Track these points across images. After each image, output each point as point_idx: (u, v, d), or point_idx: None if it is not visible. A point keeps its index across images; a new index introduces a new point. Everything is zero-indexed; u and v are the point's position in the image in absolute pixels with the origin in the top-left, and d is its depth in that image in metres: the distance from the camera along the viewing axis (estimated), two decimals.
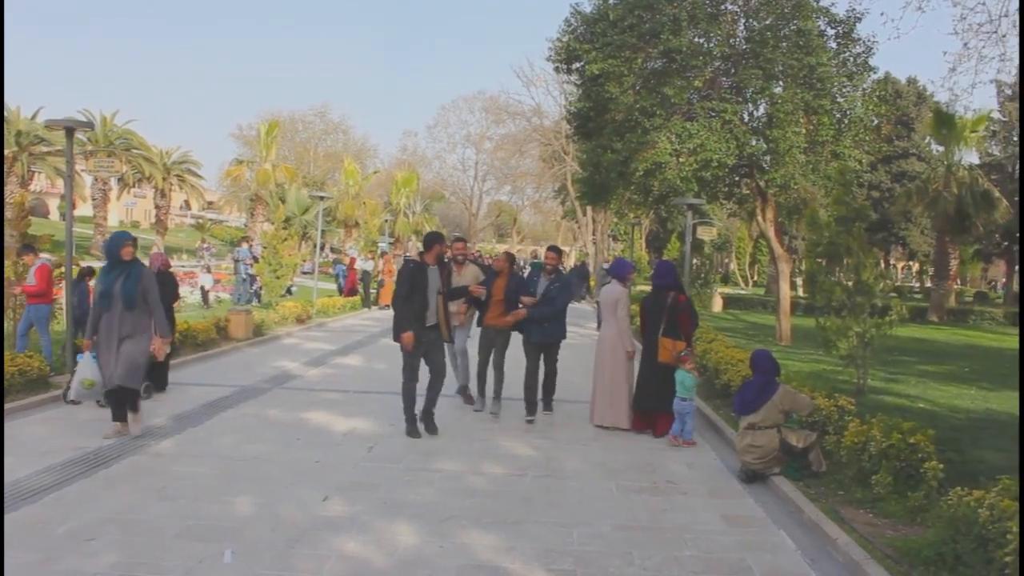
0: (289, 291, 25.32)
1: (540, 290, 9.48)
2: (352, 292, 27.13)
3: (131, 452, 7.34)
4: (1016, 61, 11.32)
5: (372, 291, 26.75)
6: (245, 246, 26.01)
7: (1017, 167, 26.81)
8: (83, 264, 12.53)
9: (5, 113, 46.03)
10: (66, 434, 7.89)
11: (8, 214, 15.90)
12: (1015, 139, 35.99)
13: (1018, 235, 31.77)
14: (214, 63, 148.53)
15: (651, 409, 8.98)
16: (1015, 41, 10.91)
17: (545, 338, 9.49)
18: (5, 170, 45.76)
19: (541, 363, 9.62)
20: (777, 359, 7.74)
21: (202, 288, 23.27)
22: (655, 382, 8.91)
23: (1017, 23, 10.68)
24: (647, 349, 9.13)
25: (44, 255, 11.62)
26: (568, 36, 19.27)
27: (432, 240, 8.60)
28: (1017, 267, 37.20)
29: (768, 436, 7.11)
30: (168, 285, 10.63)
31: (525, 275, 10.26)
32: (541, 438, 8.57)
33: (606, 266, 22.75)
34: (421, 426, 8.47)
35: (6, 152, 45.13)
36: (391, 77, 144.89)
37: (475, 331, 10.17)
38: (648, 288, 10.38)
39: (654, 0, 17.40)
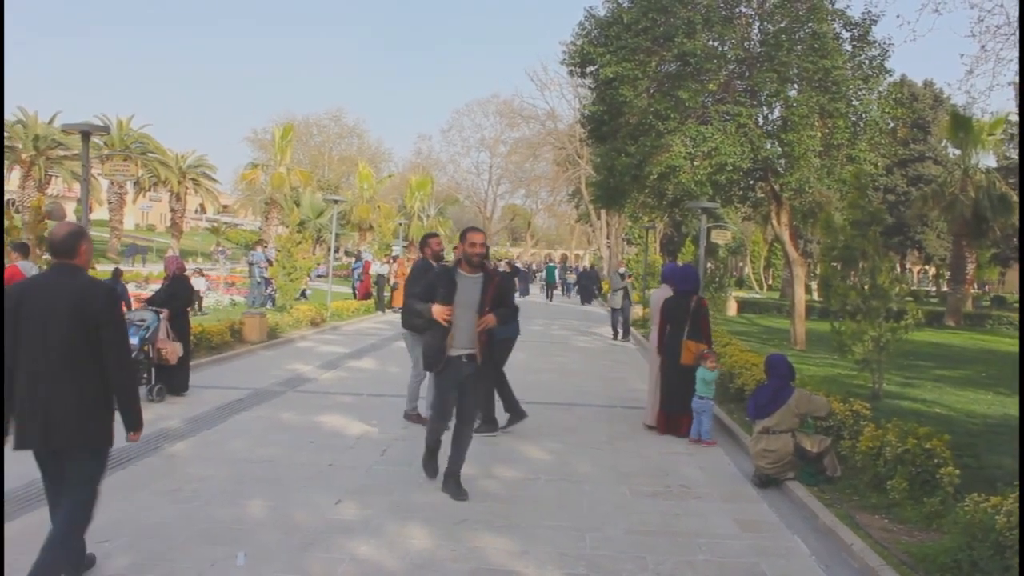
0: (303, 295, 25.39)
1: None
2: (366, 295, 27.19)
3: (145, 454, 7.37)
4: None
5: (386, 295, 26.80)
6: (260, 250, 26.10)
7: None
8: (97, 267, 12.56)
9: (23, 118, 46.50)
10: None
11: (25, 217, 16.01)
12: None
13: (1018, 237, 31.49)
14: (230, 68, 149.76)
15: (677, 411, 9.07)
16: None
17: (500, 334, 8.79)
18: (23, 175, 46.18)
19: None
20: (792, 363, 7.70)
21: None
22: (680, 384, 9.00)
23: None
24: (670, 352, 9.17)
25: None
26: (582, 40, 19.27)
27: (462, 235, 6.76)
28: (1019, 269, 36.85)
29: (782, 441, 7.08)
30: (183, 289, 10.67)
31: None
32: (554, 442, 8.55)
33: (622, 270, 22.74)
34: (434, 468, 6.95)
35: (24, 156, 45.55)
36: (405, 81, 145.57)
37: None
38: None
39: (668, 3, 17.38)
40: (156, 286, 16.32)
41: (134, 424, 4.48)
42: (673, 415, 9.14)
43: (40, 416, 4.21)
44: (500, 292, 6.67)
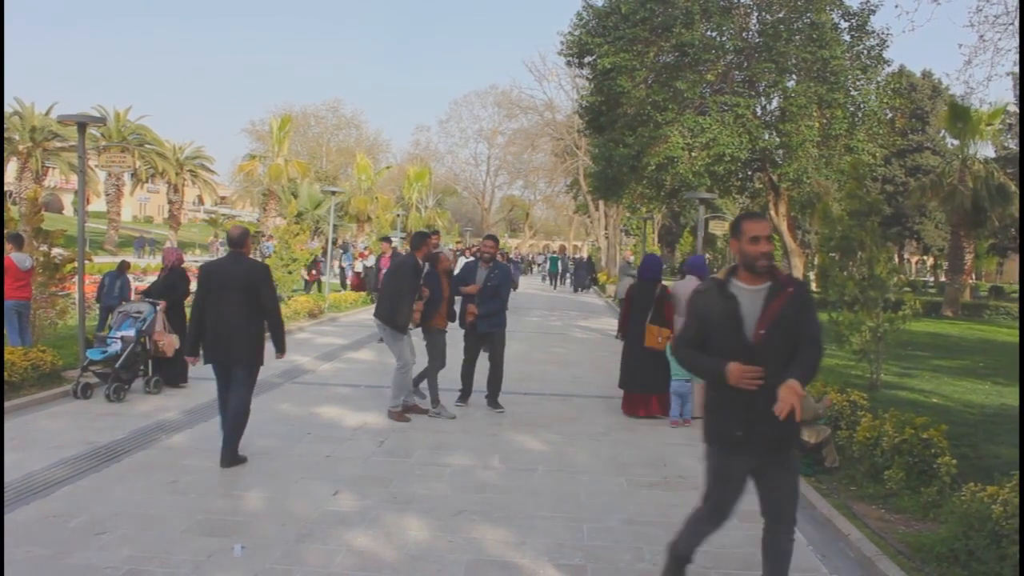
0: (307, 286, 25.34)
1: (480, 280, 9.54)
2: (359, 287, 27.15)
3: (142, 446, 7.37)
4: None
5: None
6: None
7: None
8: (95, 259, 12.52)
9: (20, 109, 46.36)
10: (78, 428, 7.93)
11: (22, 209, 15.96)
12: None
13: (1018, 227, 31.47)
14: (227, 60, 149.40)
15: (648, 392, 9.52)
16: None
17: (489, 328, 9.50)
18: (20, 166, 46.08)
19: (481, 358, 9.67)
20: None
21: None
22: (648, 366, 9.40)
23: None
24: (634, 336, 9.58)
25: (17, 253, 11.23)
26: (580, 30, 19.25)
27: (735, 226, 4.07)
28: (1019, 262, 36.89)
29: None
30: (181, 281, 10.63)
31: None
32: (551, 433, 8.56)
33: (631, 259, 22.73)
34: None
35: (21, 148, 45.43)
36: (403, 72, 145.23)
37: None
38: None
39: None
40: (153, 278, 16.28)
41: (283, 348, 7.30)
42: (638, 395, 9.58)
43: (223, 343, 6.90)
44: (794, 313, 3.88)
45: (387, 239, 17.18)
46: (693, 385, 9.10)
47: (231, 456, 6.88)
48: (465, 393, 9.78)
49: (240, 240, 7.24)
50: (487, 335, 9.57)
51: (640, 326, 9.51)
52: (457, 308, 9.73)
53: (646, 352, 9.36)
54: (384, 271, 14.73)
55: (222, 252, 46.53)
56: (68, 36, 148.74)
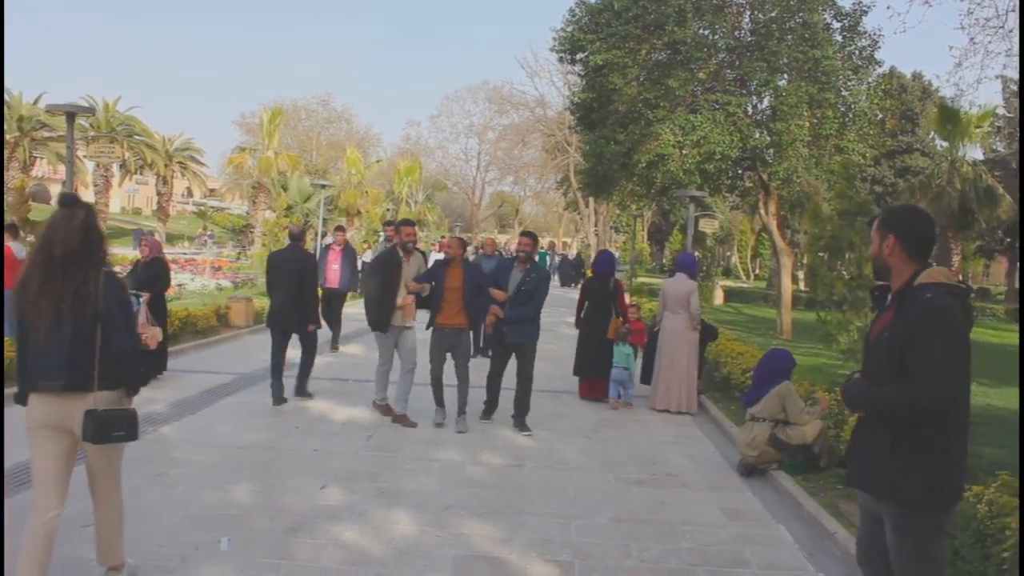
0: None
1: (513, 282, 8.50)
2: None
3: None
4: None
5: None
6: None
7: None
8: None
9: (7, 98, 46.00)
10: None
11: (8, 199, 15.86)
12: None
13: (1019, 232, 31.66)
14: (217, 51, 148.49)
15: (599, 377, 10.13)
16: None
17: (522, 339, 8.43)
18: (6, 155, 45.75)
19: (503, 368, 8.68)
20: (790, 359, 7.62)
21: None
22: (601, 355, 10.05)
23: None
24: (590, 326, 10.19)
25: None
26: (572, 26, 19.25)
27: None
28: (1018, 264, 37.15)
29: (761, 429, 7.09)
30: (163, 272, 10.54)
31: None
32: (541, 429, 8.55)
33: (618, 255, 22.77)
34: None
35: (7, 137, 45.07)
36: (395, 66, 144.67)
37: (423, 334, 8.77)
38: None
39: None
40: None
41: (316, 322, 9.39)
42: (593, 381, 10.28)
43: (282, 315, 9.08)
44: (898, 336, 3.07)
45: (340, 228, 15.96)
46: (629, 373, 9.90)
47: (302, 392, 9.45)
48: (490, 407, 8.84)
49: (299, 235, 9.61)
50: (517, 346, 8.49)
51: (593, 317, 10.12)
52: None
53: (599, 342, 9.98)
54: (333, 265, 14.01)
55: (209, 244, 46.48)
56: (56, 24, 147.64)
